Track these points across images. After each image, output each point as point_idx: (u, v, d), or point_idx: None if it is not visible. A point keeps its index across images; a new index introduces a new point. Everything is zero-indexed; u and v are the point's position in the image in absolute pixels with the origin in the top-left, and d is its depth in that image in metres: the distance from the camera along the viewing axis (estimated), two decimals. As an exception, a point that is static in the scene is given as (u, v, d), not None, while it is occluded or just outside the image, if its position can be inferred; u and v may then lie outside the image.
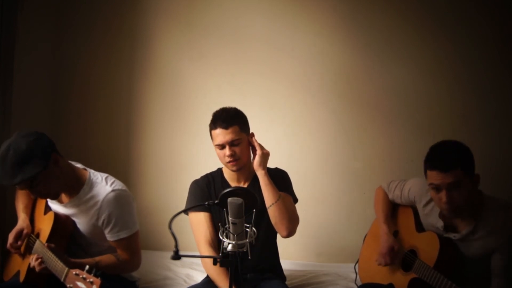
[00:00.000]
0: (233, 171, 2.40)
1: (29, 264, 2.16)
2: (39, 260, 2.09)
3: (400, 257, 2.35)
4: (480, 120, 3.14)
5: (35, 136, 2.13)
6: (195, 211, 2.41)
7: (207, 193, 2.44)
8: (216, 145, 2.38)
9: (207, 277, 2.42)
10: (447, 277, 2.08)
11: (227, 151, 2.34)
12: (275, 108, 3.30)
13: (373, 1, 3.23)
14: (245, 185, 2.45)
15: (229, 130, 2.34)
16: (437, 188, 2.09)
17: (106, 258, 2.25)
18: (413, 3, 3.20)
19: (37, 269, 2.09)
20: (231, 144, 2.34)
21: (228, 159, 2.35)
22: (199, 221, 2.40)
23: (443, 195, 2.07)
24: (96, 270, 1.86)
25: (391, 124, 3.23)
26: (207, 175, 2.53)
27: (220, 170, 2.53)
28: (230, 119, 2.37)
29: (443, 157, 2.08)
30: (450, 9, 3.17)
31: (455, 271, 2.17)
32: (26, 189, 2.17)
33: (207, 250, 2.34)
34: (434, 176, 2.07)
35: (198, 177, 2.53)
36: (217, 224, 1.76)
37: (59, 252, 2.11)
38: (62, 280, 1.99)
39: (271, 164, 2.46)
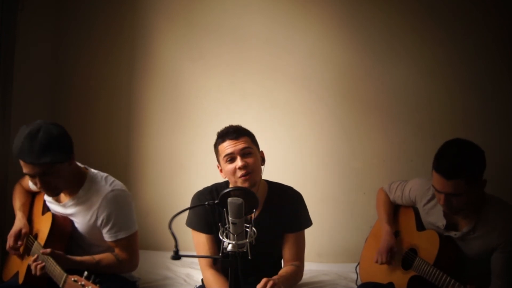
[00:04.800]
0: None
1: (28, 265, 2.15)
2: (42, 265, 2.06)
3: (399, 258, 2.36)
4: (480, 120, 3.13)
5: (63, 129, 2.19)
6: (197, 230, 2.29)
7: (210, 212, 2.24)
8: (225, 156, 2.15)
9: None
10: (447, 274, 2.09)
11: (238, 162, 2.13)
12: (275, 108, 3.30)
13: (373, 1, 3.23)
14: (257, 212, 2.20)
15: (240, 140, 2.16)
16: (437, 191, 2.12)
17: (106, 257, 2.24)
18: (413, 3, 3.20)
19: (38, 273, 2.07)
20: (243, 154, 2.15)
21: (240, 172, 2.13)
22: (200, 242, 2.28)
23: (442, 197, 2.10)
24: (95, 269, 1.84)
25: (391, 124, 3.23)
26: (211, 189, 2.29)
27: (226, 184, 2.30)
28: (239, 131, 2.20)
29: (450, 163, 2.04)
30: (450, 9, 3.17)
31: (456, 270, 2.18)
32: (36, 176, 2.11)
33: (207, 271, 2.24)
34: (437, 180, 2.09)
35: (197, 177, 2.51)
36: (219, 245, 1.67)
37: (58, 256, 2.08)
38: (60, 286, 1.97)
39: (272, 164, 2.45)
